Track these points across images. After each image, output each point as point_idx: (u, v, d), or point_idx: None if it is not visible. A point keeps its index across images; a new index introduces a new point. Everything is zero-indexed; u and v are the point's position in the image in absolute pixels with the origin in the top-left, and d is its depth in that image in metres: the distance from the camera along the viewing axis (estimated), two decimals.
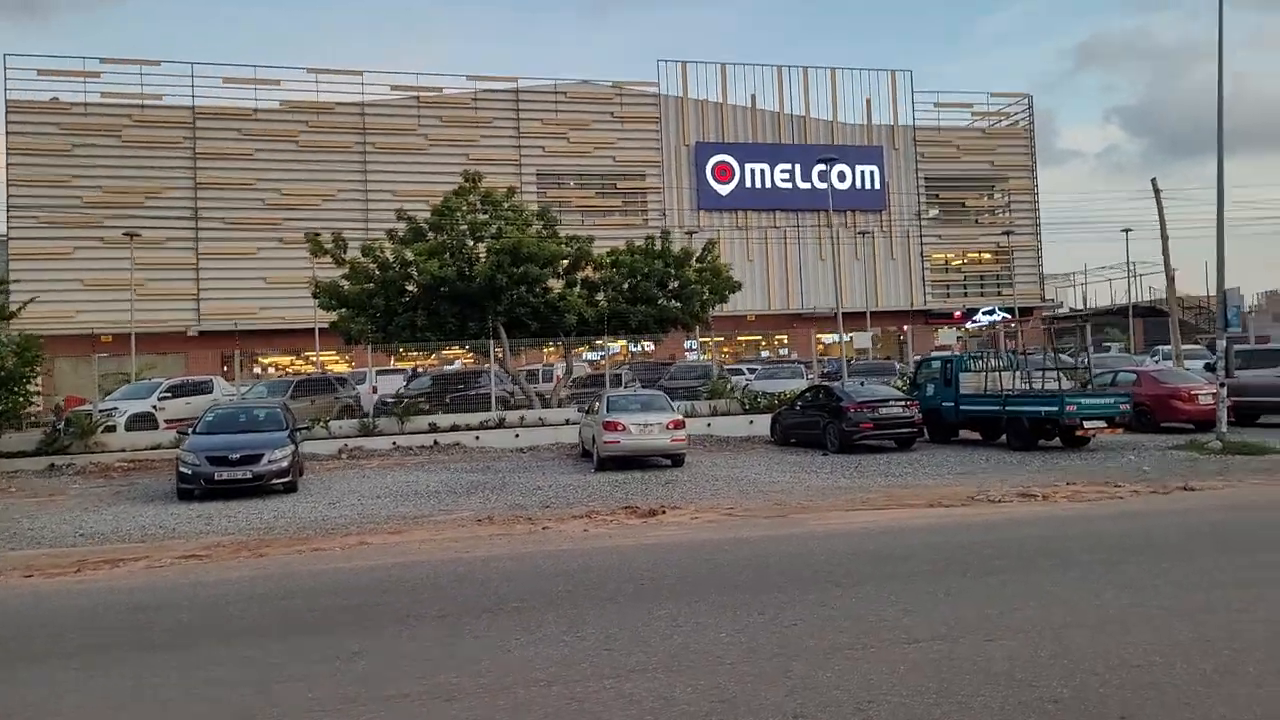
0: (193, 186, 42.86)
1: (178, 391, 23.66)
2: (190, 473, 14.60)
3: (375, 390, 25.75)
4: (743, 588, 7.46)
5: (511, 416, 23.17)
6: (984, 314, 50.45)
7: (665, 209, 48.38)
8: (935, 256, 52.98)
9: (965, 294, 53.06)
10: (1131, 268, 49.89)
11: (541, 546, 9.77)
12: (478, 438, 22.19)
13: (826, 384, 21.80)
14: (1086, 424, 17.67)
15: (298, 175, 43.79)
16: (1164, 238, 25.08)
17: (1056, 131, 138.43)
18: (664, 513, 12.05)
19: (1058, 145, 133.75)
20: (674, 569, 8.37)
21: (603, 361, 43.18)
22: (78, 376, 33.40)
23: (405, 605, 7.17)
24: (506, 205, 24.61)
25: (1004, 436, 19.29)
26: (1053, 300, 58.49)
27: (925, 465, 16.79)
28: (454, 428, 22.61)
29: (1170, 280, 25.19)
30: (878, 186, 50.98)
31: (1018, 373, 19.93)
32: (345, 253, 24.11)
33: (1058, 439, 18.76)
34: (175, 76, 42.77)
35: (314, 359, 40.77)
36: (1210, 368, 22.78)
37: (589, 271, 25.88)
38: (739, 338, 50.68)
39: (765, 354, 49.82)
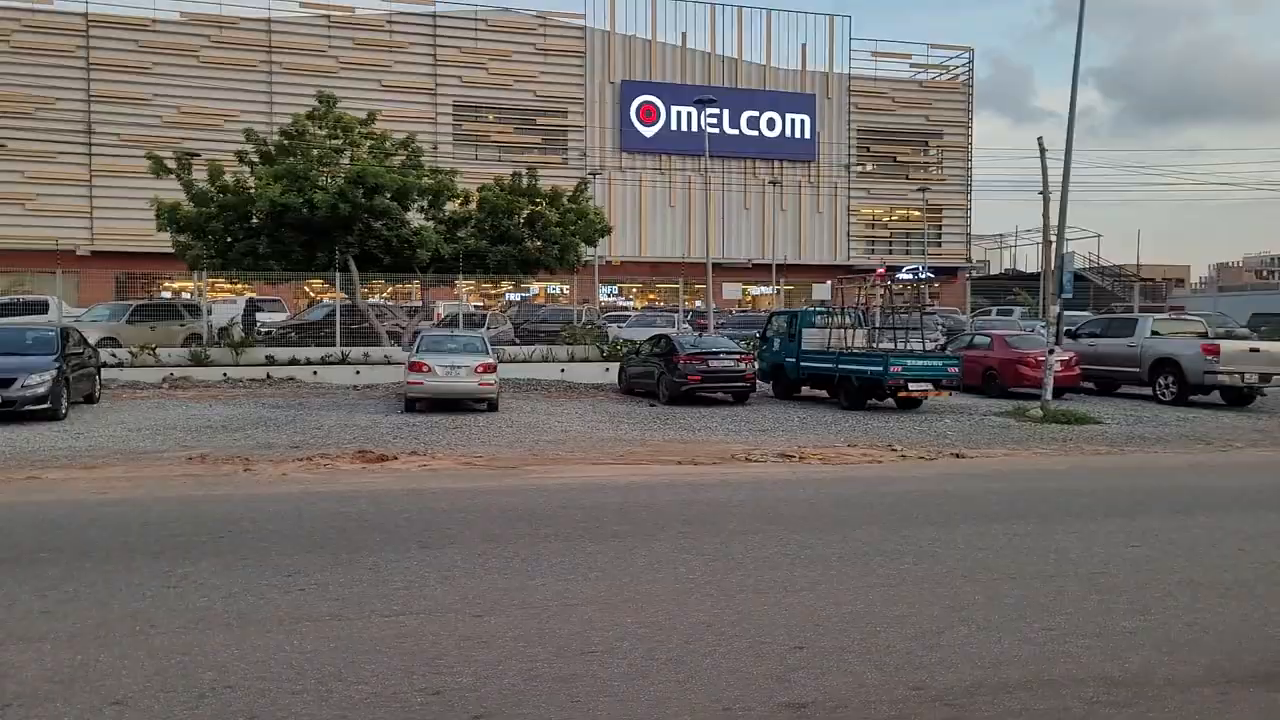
0: (86, 99, 40.87)
1: (6, 310, 22.51)
2: None
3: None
4: (321, 546, 6.84)
5: (356, 353, 22.38)
6: (907, 271, 50.08)
7: (586, 148, 47.16)
8: (863, 211, 52.33)
9: (891, 250, 52.62)
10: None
11: (203, 491, 9.12)
12: (315, 373, 21.41)
13: (667, 334, 21.21)
14: (911, 386, 17.28)
15: (198, 93, 41.87)
16: (1045, 199, 24.68)
17: (1034, 90, 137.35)
18: (396, 459, 11.43)
19: (1034, 104, 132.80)
20: (291, 522, 7.76)
21: (504, 303, 42.57)
22: None
23: None
24: (362, 131, 23.42)
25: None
26: (982, 261, 58.37)
27: (738, 421, 16.30)
28: (293, 361, 21.79)
29: (1045, 244, 24.81)
30: (808, 136, 50.01)
31: (861, 330, 19.48)
32: (190, 173, 22.91)
33: (891, 399, 18.38)
34: None
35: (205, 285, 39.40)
36: (1073, 334, 22.47)
37: (457, 206, 24.92)
38: (657, 284, 49.90)
39: (700, 304, 49.24)
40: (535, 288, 45.58)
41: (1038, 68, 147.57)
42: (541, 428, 15.05)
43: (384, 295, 35.64)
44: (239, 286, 38.77)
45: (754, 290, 50.01)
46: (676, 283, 49.82)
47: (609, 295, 48.39)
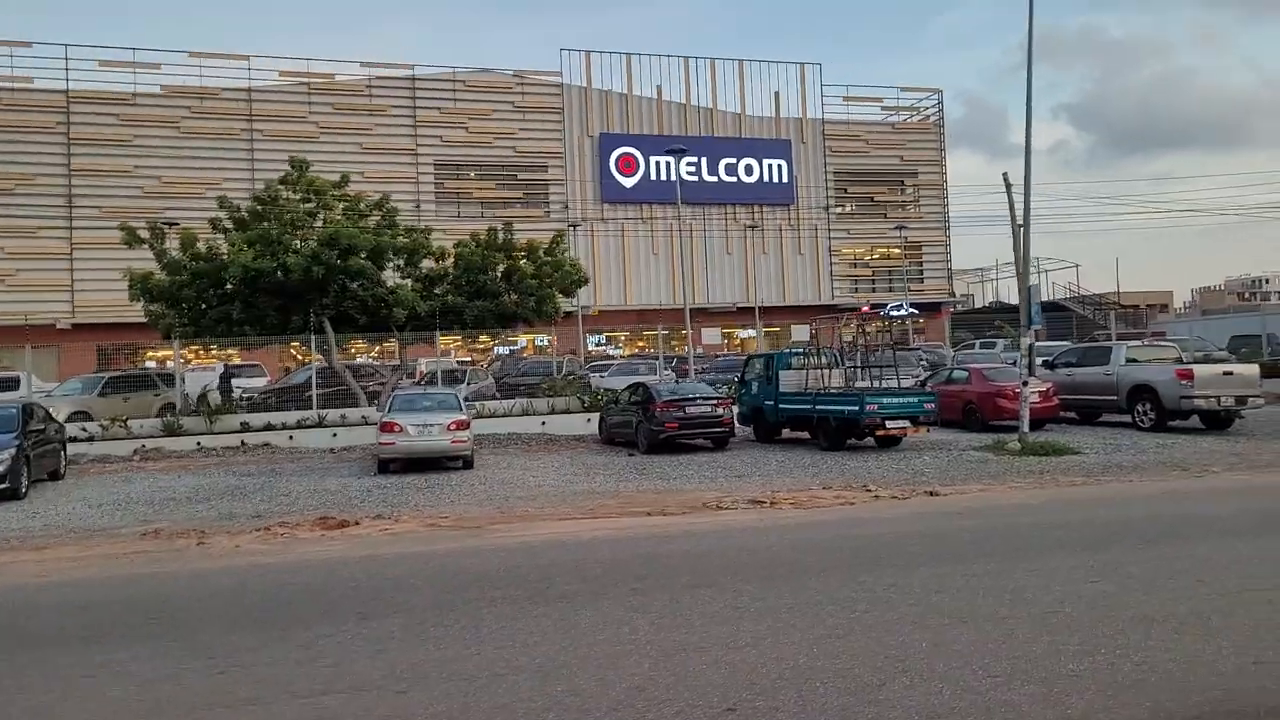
0: (66, 174, 41.14)
1: None
2: None
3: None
4: (257, 623, 6.65)
5: (333, 415, 22.20)
6: (892, 309, 50.21)
7: (568, 201, 47.50)
8: (845, 251, 52.62)
9: (874, 289, 52.80)
10: (1036, 264, 49.89)
11: (151, 568, 8.89)
12: (291, 437, 21.20)
13: (645, 381, 21.10)
14: (889, 424, 17.14)
15: (180, 163, 42.21)
16: (1013, 232, 24.65)
17: (1008, 127, 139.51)
18: (358, 524, 11.22)
19: (1009, 140, 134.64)
20: (231, 598, 7.56)
21: (492, 357, 42.49)
22: None
23: None
24: (335, 194, 23.52)
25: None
26: (965, 295, 58.58)
27: (715, 468, 16.11)
28: (268, 427, 21.58)
29: (1018, 274, 24.83)
30: (786, 180, 50.48)
31: (838, 370, 19.38)
32: (164, 242, 22.94)
33: (870, 439, 18.22)
34: (48, 59, 41.03)
35: (177, 354, 39.22)
36: (1050, 364, 22.43)
37: (433, 263, 24.98)
38: (645, 332, 49.88)
39: (690, 349, 49.09)
40: (523, 340, 45.56)
41: (1010, 106, 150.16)
42: (515, 483, 14.85)
43: (370, 355, 35.56)
44: (218, 354, 38.68)
45: (741, 334, 50.09)
46: (660, 330, 50.15)
47: (596, 344, 48.40)
